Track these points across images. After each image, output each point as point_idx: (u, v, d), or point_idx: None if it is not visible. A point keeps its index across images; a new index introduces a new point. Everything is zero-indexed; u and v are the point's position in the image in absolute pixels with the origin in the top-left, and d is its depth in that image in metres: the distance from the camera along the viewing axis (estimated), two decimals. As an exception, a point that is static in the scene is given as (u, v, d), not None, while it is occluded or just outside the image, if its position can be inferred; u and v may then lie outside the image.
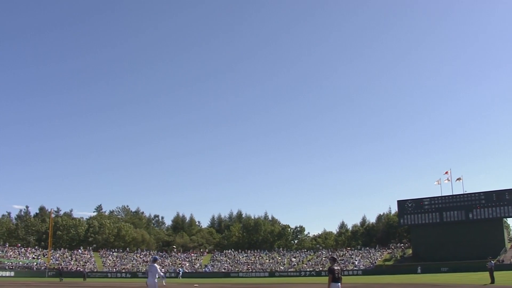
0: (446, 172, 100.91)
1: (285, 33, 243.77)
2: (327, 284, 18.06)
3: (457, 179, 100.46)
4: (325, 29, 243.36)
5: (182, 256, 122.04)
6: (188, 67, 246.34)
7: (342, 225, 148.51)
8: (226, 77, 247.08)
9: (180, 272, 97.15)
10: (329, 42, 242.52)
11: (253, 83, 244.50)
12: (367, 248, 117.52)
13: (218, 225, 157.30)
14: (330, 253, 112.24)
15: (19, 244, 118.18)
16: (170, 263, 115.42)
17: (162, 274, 22.26)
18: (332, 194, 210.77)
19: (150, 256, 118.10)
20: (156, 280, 21.98)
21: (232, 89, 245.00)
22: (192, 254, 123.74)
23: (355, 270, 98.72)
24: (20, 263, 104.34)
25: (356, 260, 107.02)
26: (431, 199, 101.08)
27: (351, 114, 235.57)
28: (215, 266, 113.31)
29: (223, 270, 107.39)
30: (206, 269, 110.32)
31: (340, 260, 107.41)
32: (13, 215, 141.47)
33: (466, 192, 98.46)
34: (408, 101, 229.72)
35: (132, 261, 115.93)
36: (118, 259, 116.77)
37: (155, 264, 22.31)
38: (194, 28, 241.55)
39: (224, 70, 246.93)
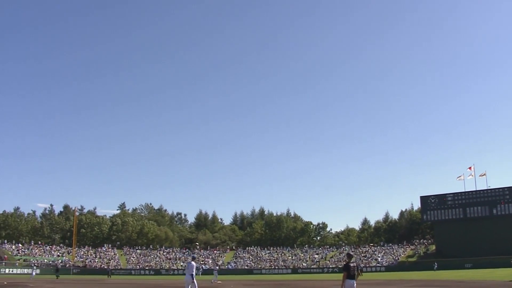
0: (470, 168, 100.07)
1: (305, 20, 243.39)
2: (346, 281, 18.02)
3: (481, 175, 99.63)
4: (340, 16, 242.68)
5: (205, 253, 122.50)
6: (212, 54, 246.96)
7: (365, 222, 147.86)
8: (244, 71, 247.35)
9: (201, 269, 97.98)
10: (349, 25, 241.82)
11: (273, 75, 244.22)
12: (390, 244, 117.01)
13: (241, 222, 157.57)
14: (353, 250, 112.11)
15: (44, 242, 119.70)
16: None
17: (194, 272, 22.79)
18: (354, 191, 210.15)
19: (174, 254, 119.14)
20: (192, 277, 22.45)
21: (250, 85, 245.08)
22: (215, 251, 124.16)
23: (378, 266, 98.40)
24: (45, 260, 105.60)
25: (379, 257, 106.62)
26: (455, 194, 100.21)
27: (373, 111, 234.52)
28: (237, 263, 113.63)
29: (245, 267, 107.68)
30: (229, 266, 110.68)
31: (363, 256, 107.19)
32: (38, 214, 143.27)
33: (490, 188, 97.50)
34: (431, 96, 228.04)
35: (156, 258, 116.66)
36: (141, 256, 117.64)
37: (193, 262, 22.92)
38: (200, 22, 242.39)
39: (240, 60, 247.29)
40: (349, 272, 17.88)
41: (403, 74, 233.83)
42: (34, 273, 70.74)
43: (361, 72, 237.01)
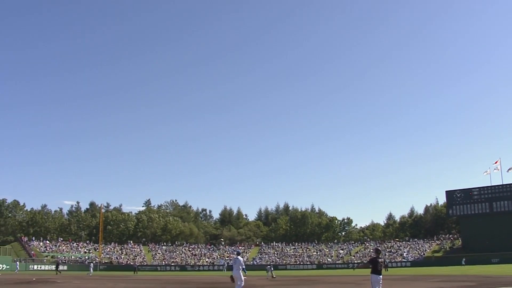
0: (496, 162, 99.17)
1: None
2: (370, 275, 18.16)
3: (509, 169, 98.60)
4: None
5: (230, 249, 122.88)
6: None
7: (390, 217, 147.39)
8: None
9: (225, 265, 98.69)
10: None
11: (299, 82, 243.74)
12: (415, 239, 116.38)
13: (265, 218, 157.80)
14: (378, 245, 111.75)
15: (71, 239, 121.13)
16: (218, 256, 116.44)
17: (243, 266, 23.38)
18: (379, 186, 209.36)
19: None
20: (240, 272, 23.06)
21: (274, 83, 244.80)
22: (240, 247, 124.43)
23: (404, 261, 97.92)
24: (73, 257, 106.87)
25: (404, 252, 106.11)
26: (481, 189, 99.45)
27: (397, 107, 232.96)
28: (262, 258, 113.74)
29: (270, 263, 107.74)
30: (253, 261, 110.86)
31: (388, 251, 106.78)
32: (65, 211, 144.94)
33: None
34: (456, 91, 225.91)
35: (181, 254, 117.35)
36: (167, 252, 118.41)
37: (239, 257, 23.44)
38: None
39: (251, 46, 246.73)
40: (376, 267, 17.94)
41: (428, 71, 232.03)
42: (91, 270, 71.82)
43: (384, 72, 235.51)
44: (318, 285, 37.85)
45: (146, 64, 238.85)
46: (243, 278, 23.26)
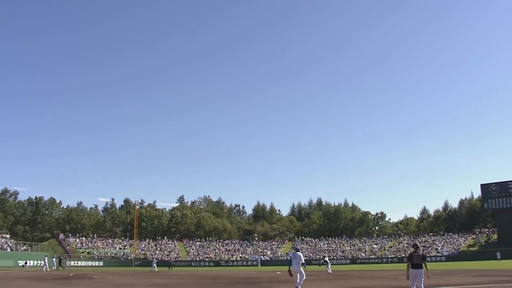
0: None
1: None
2: (408, 271, 18.47)
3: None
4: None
5: (263, 244, 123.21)
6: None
7: (424, 211, 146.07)
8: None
9: (259, 260, 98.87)
10: None
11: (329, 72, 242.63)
12: (450, 233, 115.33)
13: (298, 213, 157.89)
14: (412, 239, 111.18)
15: (107, 235, 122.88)
16: (251, 251, 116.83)
17: (303, 261, 24.30)
18: (413, 179, 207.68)
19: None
20: (300, 267, 23.96)
21: (305, 75, 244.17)
22: (273, 242, 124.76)
23: (438, 256, 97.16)
24: (108, 253, 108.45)
25: (439, 246, 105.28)
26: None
27: (430, 100, 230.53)
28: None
29: (304, 258, 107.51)
30: (287, 256, 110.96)
31: (422, 246, 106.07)
32: (100, 208, 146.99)
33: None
34: (489, 82, 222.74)
35: (215, 250, 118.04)
36: (201, 248, 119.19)
37: (298, 253, 24.41)
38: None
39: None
40: (411, 262, 18.25)
41: (458, 66, 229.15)
42: (155, 265, 72.82)
43: (408, 69, 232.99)
44: (353, 279, 37.88)
45: (176, 49, 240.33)
46: (303, 272, 23.94)
